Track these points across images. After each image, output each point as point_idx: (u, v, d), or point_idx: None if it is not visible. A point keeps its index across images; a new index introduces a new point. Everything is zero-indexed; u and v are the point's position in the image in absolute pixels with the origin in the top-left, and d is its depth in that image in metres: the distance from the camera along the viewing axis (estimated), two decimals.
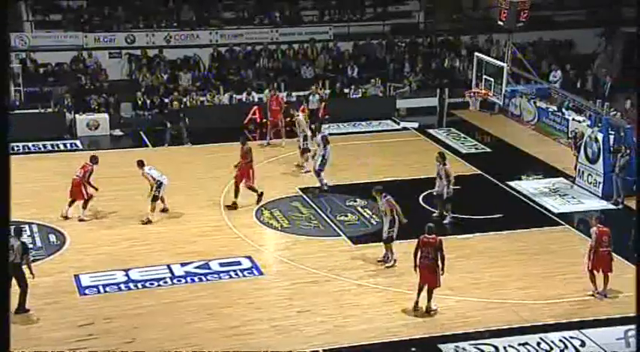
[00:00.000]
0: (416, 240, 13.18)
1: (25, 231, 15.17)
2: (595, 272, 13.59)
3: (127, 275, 14.36)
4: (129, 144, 22.41)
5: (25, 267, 12.70)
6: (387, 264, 14.66)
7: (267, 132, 22.11)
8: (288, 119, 21.76)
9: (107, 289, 13.85)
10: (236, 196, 17.22)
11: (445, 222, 16.46)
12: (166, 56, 25.92)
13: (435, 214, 16.78)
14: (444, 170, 16.47)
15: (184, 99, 23.87)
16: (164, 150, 21.70)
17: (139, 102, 23.90)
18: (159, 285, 14.07)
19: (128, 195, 17.76)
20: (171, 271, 14.53)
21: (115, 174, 18.62)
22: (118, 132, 23.14)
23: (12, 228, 11.78)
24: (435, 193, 16.99)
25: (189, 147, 21.81)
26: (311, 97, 23.20)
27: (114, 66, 25.19)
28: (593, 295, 13.65)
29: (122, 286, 13.99)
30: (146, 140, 22.65)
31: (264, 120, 23.19)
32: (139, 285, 14.04)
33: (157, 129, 23.07)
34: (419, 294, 13.05)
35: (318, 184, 18.54)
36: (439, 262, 12.90)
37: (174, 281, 14.22)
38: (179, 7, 27.29)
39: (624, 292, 13.81)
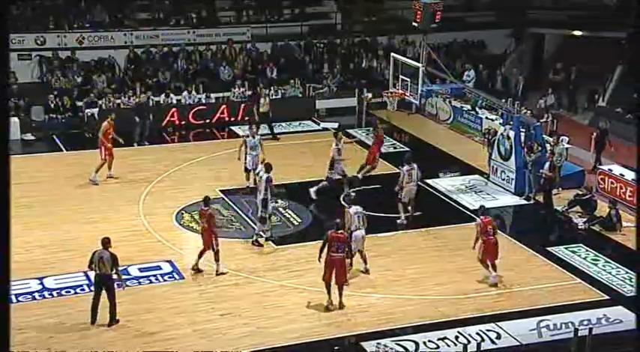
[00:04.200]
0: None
1: None
2: (488, 261, 14.16)
3: (41, 283, 13.97)
4: (42, 149, 21.78)
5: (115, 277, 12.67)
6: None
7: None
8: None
9: (20, 298, 13.43)
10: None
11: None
12: (79, 58, 25.29)
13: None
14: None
15: (100, 102, 23.38)
16: (77, 155, 21.19)
17: (52, 106, 23.24)
18: (75, 293, 13.75)
19: (41, 201, 17.26)
20: (88, 278, 14.17)
21: (27, 179, 18.06)
22: (29, 136, 22.44)
23: None
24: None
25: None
26: (262, 100, 22.73)
27: (23, 68, 24.38)
28: (492, 283, 14.19)
29: (36, 295, 13.59)
30: (60, 144, 22.06)
31: (183, 122, 22.98)
32: (55, 294, 13.70)
33: (71, 132, 22.51)
34: (329, 292, 13.21)
35: (246, 184, 18.37)
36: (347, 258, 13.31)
37: (92, 288, 13.88)
38: (91, 8, 26.67)
39: (534, 285, 14.39)
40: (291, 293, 13.91)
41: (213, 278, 14.36)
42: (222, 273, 14.42)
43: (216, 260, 14.39)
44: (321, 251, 13.17)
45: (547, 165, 17.89)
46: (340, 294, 13.22)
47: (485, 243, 14.14)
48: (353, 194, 17.41)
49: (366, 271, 14.52)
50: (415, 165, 17.01)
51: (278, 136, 22.50)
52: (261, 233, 15.81)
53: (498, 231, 14.74)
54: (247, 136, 18.71)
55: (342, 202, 15.86)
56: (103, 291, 12.61)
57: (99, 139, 19.05)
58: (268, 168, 15.83)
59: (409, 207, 17.05)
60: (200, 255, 14.43)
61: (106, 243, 12.78)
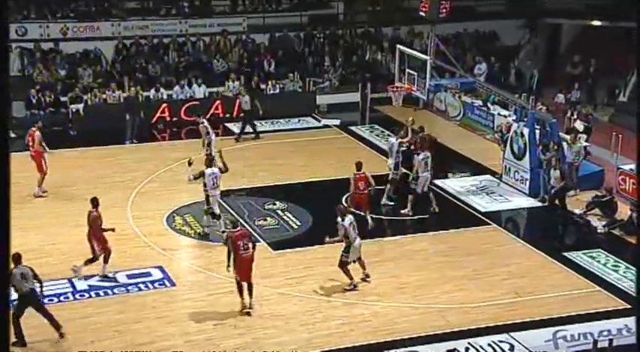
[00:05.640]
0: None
1: None
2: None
3: None
4: (22, 147, 21.75)
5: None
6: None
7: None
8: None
9: None
10: None
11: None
12: (63, 50, 25.30)
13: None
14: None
15: (85, 97, 23.40)
16: (61, 153, 21.19)
17: (34, 101, 23.24)
18: (59, 301, 13.75)
19: (22, 204, 17.25)
20: (72, 285, 14.22)
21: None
22: (10, 133, 22.41)
23: None
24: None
25: (86, 150, 21.33)
26: (240, 97, 22.82)
27: None
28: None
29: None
30: (42, 142, 22.00)
31: (174, 118, 23.03)
32: None
33: (54, 129, 22.50)
34: (242, 294, 13.28)
35: (242, 185, 18.46)
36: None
37: (77, 296, 13.94)
38: None
39: (550, 293, 14.38)
40: (289, 302, 13.90)
41: (206, 286, 14.35)
42: (107, 276, 14.44)
43: (87, 262, 14.35)
44: (229, 256, 13.23)
45: (557, 172, 17.89)
46: (251, 295, 13.30)
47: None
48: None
49: (367, 277, 14.48)
50: (429, 154, 17.26)
51: (259, 136, 22.38)
52: (206, 228, 16.16)
53: (517, 237, 14.69)
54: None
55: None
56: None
57: (31, 150, 18.38)
58: (209, 162, 16.32)
59: (433, 201, 17.27)
60: (93, 260, 14.38)
61: (17, 259, 12.37)
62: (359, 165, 16.51)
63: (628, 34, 24.18)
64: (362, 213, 16.36)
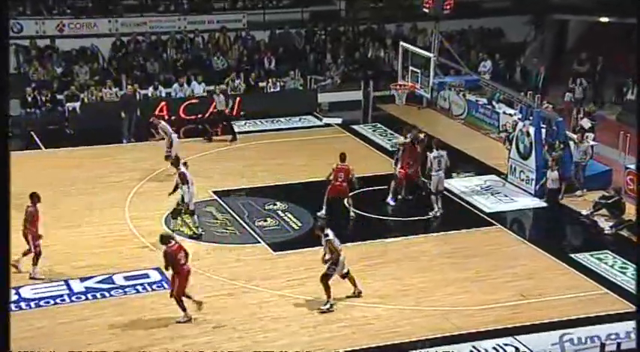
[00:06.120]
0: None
1: None
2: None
3: (17, 293, 13.96)
4: (18, 146, 21.80)
5: None
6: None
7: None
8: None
9: None
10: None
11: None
12: (60, 47, 25.32)
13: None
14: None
15: (82, 95, 23.42)
16: (57, 153, 21.26)
17: (29, 99, 23.28)
18: (55, 303, 13.77)
19: (16, 204, 17.26)
20: (69, 287, 14.24)
21: None
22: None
23: None
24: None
25: (82, 149, 21.35)
26: (215, 97, 22.74)
27: None
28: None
29: (12, 306, 13.59)
30: (38, 141, 22.10)
31: (173, 117, 23.04)
32: (32, 304, 13.73)
33: (50, 128, 22.55)
34: (184, 305, 13.15)
35: (241, 185, 18.64)
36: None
37: (73, 298, 13.96)
38: None
39: (557, 295, 14.38)
40: (290, 304, 13.91)
41: (204, 288, 14.37)
42: (35, 278, 14.41)
43: (34, 261, 14.39)
44: (167, 268, 13.20)
45: (555, 173, 17.95)
46: (185, 304, 13.15)
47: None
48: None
49: (359, 294, 14.04)
50: (444, 152, 17.41)
51: (236, 137, 22.22)
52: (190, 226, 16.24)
53: (522, 238, 14.72)
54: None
55: (321, 229, 14.23)
56: None
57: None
58: (176, 161, 16.34)
59: (438, 199, 17.41)
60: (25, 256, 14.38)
61: None
62: (342, 157, 16.93)
63: (628, 33, 24.18)
64: (346, 205, 16.89)
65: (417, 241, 16.55)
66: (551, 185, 18.16)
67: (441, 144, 18.01)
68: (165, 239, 13.32)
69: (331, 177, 16.94)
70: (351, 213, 17.11)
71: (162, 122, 20.39)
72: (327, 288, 13.55)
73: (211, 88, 24.48)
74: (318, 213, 17.02)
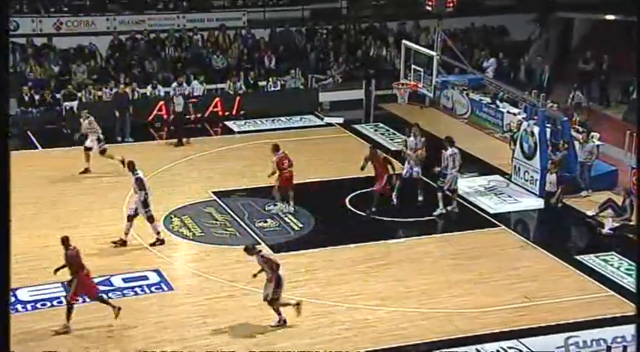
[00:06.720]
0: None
1: None
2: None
3: (14, 295, 13.93)
4: (14, 146, 21.79)
5: None
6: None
7: None
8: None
9: None
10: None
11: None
12: (57, 45, 25.31)
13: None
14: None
15: (79, 94, 23.41)
16: (54, 152, 21.25)
17: (26, 98, 23.28)
18: (52, 306, 13.75)
19: (12, 205, 17.22)
20: (66, 289, 14.19)
21: None
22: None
23: None
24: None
25: (80, 149, 21.30)
26: (175, 99, 22.39)
27: None
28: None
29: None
30: (34, 141, 22.09)
31: (171, 116, 23.01)
32: (29, 307, 13.72)
33: (47, 128, 22.54)
34: (71, 315, 12.96)
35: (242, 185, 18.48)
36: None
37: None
38: None
39: (562, 297, 14.36)
40: (290, 306, 13.87)
41: (204, 290, 14.36)
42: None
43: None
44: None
45: (553, 177, 17.94)
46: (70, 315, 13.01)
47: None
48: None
49: (284, 323, 13.18)
50: (457, 149, 17.38)
51: (184, 142, 21.86)
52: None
53: (526, 239, 14.70)
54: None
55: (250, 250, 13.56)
56: None
57: None
58: (132, 166, 15.98)
59: (441, 201, 17.38)
60: None
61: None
62: (275, 147, 17.20)
63: (628, 31, 24.16)
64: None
65: (420, 242, 16.53)
66: (548, 188, 18.16)
67: (453, 141, 17.81)
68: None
69: (276, 171, 17.06)
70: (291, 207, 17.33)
71: (91, 117, 19.90)
72: (276, 309, 13.12)
73: (212, 86, 24.48)
74: (285, 210, 17.29)
